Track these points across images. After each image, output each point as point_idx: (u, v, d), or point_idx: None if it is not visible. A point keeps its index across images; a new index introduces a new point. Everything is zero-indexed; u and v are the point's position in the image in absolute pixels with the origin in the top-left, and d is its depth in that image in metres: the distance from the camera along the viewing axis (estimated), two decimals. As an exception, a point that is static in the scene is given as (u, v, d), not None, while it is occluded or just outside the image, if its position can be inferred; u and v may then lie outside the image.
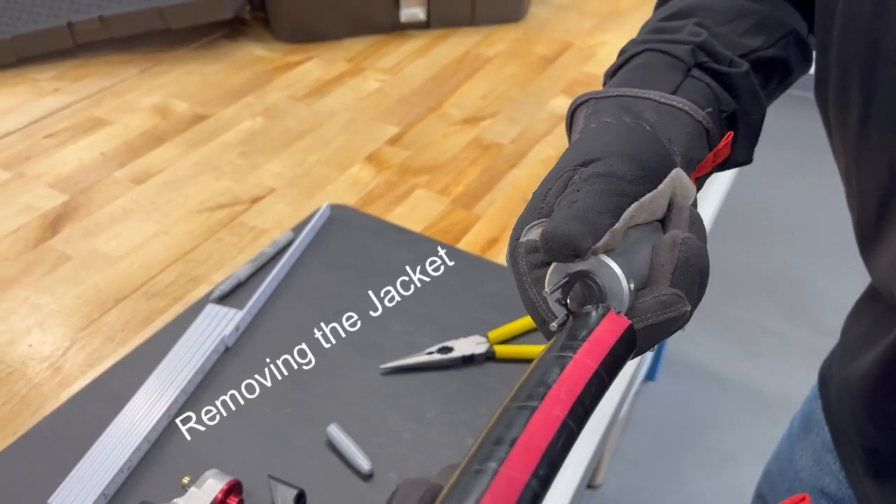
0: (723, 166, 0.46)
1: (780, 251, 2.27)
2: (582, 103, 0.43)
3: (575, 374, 0.26)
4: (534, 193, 0.37)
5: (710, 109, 0.42)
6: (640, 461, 1.68)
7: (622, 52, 0.47)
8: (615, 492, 1.63)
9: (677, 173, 0.37)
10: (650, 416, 1.77)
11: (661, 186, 0.36)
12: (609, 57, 1.21)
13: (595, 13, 1.35)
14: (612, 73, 0.47)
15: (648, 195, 0.35)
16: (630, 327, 0.30)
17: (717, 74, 0.43)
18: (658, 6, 0.54)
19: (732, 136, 0.43)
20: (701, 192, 0.83)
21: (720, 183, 1.00)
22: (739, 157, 0.46)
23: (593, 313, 0.30)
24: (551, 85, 1.12)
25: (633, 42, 0.47)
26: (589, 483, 1.61)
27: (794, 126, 2.87)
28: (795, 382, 1.81)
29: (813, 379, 0.62)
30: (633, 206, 0.34)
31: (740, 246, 2.25)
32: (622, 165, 0.35)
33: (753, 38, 0.46)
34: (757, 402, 1.82)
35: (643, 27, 0.50)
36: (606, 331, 0.29)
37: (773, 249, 2.28)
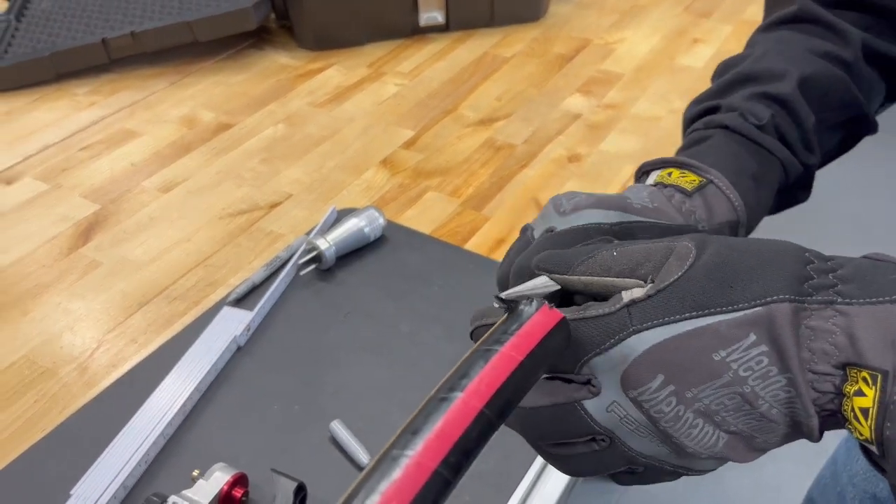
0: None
1: (826, 243, 2.23)
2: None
3: (498, 366, 0.28)
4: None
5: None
6: (674, 456, 1.68)
7: (718, 73, 0.50)
8: (647, 486, 1.62)
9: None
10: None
11: None
12: (628, 54, 1.21)
13: (615, 9, 1.35)
14: (700, 113, 0.49)
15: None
16: (563, 320, 0.32)
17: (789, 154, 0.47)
18: (769, 18, 0.54)
19: None
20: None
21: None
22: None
23: (526, 308, 0.32)
24: (567, 84, 1.13)
25: (735, 94, 0.48)
26: (621, 478, 1.61)
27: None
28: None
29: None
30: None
31: (783, 237, 2.21)
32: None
33: (830, 138, 0.49)
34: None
35: (756, 42, 0.51)
36: (538, 324, 0.30)
37: (820, 241, 2.23)
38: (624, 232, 0.38)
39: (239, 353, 0.71)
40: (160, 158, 1.00)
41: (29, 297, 0.78)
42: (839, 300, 0.29)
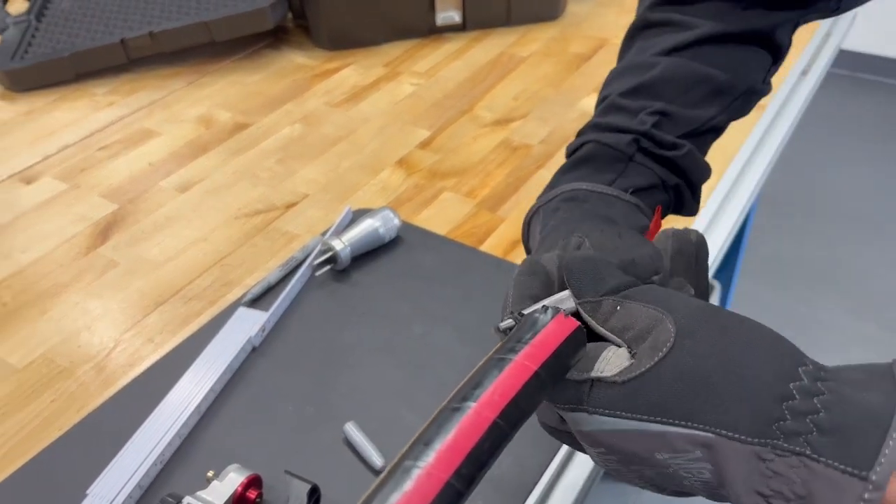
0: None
1: (842, 242, 2.20)
2: (532, 216, 0.50)
3: (511, 376, 0.28)
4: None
5: (648, 186, 0.48)
6: (690, 458, 1.66)
7: (579, 133, 0.54)
8: (664, 489, 1.61)
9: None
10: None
11: None
12: (645, 53, 1.20)
13: (634, 8, 1.34)
14: (566, 163, 0.52)
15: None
16: (579, 328, 0.32)
17: (660, 158, 0.48)
18: (624, 51, 0.59)
19: (661, 209, 0.49)
20: (736, 176, 0.84)
21: (756, 169, 0.99)
22: (688, 212, 0.53)
23: (540, 316, 0.31)
24: (584, 83, 1.13)
25: (588, 125, 0.53)
26: (637, 479, 1.60)
27: (861, 113, 2.77)
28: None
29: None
30: None
31: (797, 236, 2.19)
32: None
33: (706, 108, 0.50)
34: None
35: (607, 86, 0.56)
36: (552, 332, 0.30)
37: (835, 240, 2.20)
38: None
39: (254, 354, 0.71)
40: (177, 158, 1.00)
41: (47, 297, 0.79)
42: (807, 451, 0.27)
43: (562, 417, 0.36)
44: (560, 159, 0.96)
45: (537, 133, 1.02)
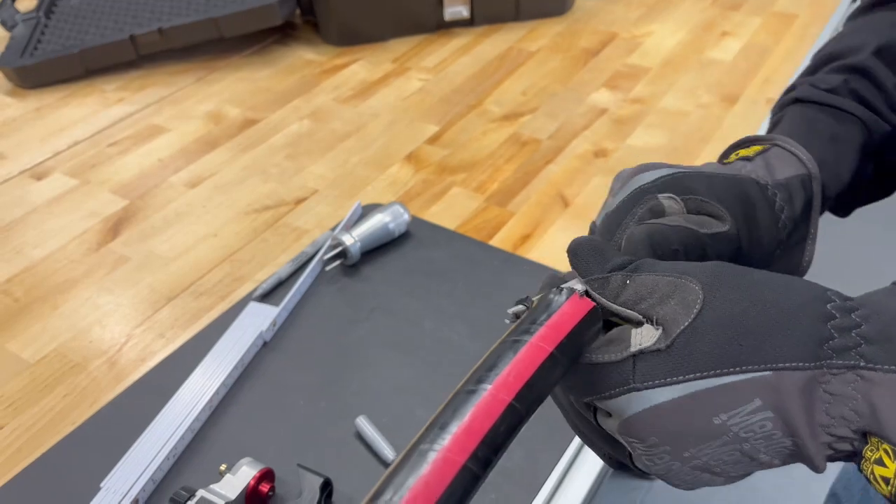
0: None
1: (842, 236, 2.19)
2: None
3: (527, 357, 0.28)
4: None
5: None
6: (699, 454, 1.66)
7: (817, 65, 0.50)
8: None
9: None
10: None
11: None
12: (655, 47, 1.20)
13: (643, 3, 1.34)
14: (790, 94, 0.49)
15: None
16: (595, 309, 0.31)
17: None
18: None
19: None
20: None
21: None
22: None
23: (555, 297, 0.31)
24: (593, 78, 1.12)
25: (828, 70, 0.49)
26: (646, 474, 1.60)
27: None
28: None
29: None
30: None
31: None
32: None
33: None
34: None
35: (852, 28, 0.51)
36: (567, 313, 0.30)
37: (835, 234, 2.19)
38: (673, 183, 0.39)
39: (265, 349, 0.71)
40: (187, 154, 1.01)
41: (59, 292, 0.79)
42: (861, 363, 0.28)
43: (597, 423, 0.34)
44: (570, 153, 0.96)
45: (546, 128, 1.02)
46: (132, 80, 1.18)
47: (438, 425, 0.26)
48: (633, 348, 0.30)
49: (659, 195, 0.38)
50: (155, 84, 1.16)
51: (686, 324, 0.30)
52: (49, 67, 1.16)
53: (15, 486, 0.61)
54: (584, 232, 0.81)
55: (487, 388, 0.27)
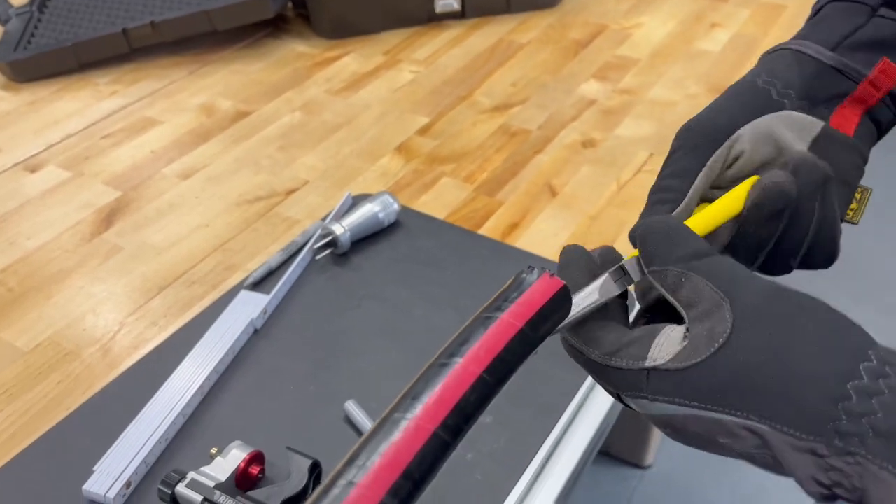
0: None
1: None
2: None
3: (497, 333, 0.29)
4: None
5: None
6: (692, 443, 1.68)
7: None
8: (665, 472, 1.63)
9: (750, 127, 0.41)
10: (703, 398, 1.76)
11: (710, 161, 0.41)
12: (645, 38, 1.21)
13: (633, -5, 1.34)
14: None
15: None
16: (564, 288, 0.33)
17: None
18: None
19: (887, 62, 0.43)
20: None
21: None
22: None
23: (527, 276, 0.33)
24: (582, 69, 1.13)
25: None
26: (637, 463, 1.62)
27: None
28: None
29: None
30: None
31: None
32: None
33: None
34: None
35: None
36: (537, 291, 0.31)
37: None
38: None
39: (256, 336, 0.73)
40: (180, 146, 1.02)
41: (53, 282, 0.80)
42: (862, 452, 0.27)
43: (626, 404, 0.36)
44: (558, 143, 0.97)
45: (535, 118, 1.03)
46: (125, 74, 1.19)
47: (411, 396, 0.27)
48: (648, 363, 0.32)
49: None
50: (148, 77, 1.17)
51: (702, 358, 0.30)
52: (42, 61, 1.17)
53: (10, 470, 0.62)
54: (572, 221, 0.83)
55: (459, 362, 0.28)
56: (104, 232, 0.87)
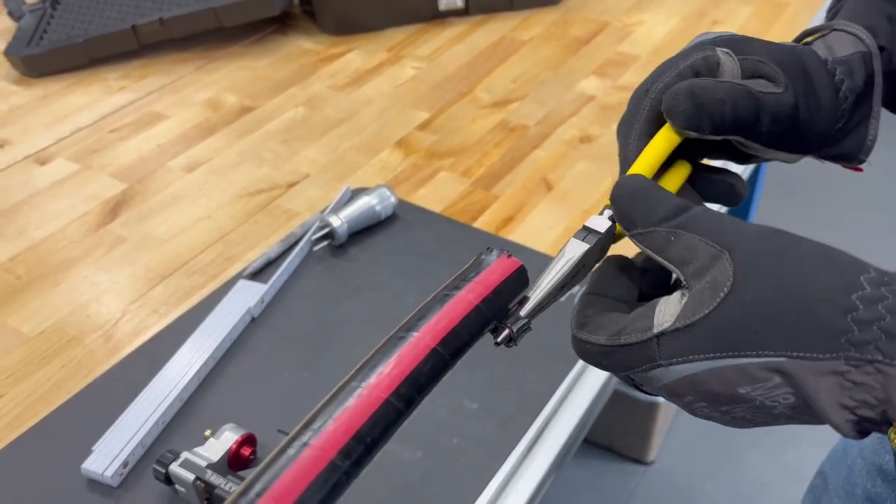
0: None
1: (848, 226, 2.19)
2: None
3: (453, 309, 0.31)
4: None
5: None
6: (695, 440, 1.68)
7: None
8: (667, 469, 1.64)
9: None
10: (707, 395, 1.76)
11: None
12: (646, 35, 1.21)
13: (636, -8, 1.35)
14: None
15: None
16: (521, 268, 0.34)
17: None
18: None
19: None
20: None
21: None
22: None
23: (485, 257, 0.34)
24: (583, 66, 1.14)
25: None
26: (640, 459, 1.62)
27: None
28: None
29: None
30: None
31: (803, 221, 2.18)
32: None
33: None
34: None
35: None
36: (494, 271, 0.33)
37: (841, 224, 2.20)
38: (732, 41, 0.40)
39: (253, 324, 0.74)
40: (185, 140, 1.04)
41: (59, 270, 0.83)
42: (879, 358, 0.28)
43: (638, 388, 0.36)
44: (556, 139, 0.99)
45: (534, 114, 1.04)
46: (134, 69, 1.21)
47: (368, 366, 0.29)
48: (656, 329, 0.32)
49: (716, 48, 0.39)
50: (156, 73, 1.20)
51: (710, 308, 0.31)
52: (54, 56, 1.20)
53: (14, 449, 0.64)
54: (566, 215, 0.84)
55: (414, 335, 0.30)
56: (110, 223, 0.89)
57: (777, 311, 0.29)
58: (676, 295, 0.33)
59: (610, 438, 1.65)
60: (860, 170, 0.44)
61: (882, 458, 0.63)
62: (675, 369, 0.32)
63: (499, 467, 0.61)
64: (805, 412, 0.31)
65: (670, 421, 1.68)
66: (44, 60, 1.20)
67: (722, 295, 0.30)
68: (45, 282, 0.81)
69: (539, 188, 0.90)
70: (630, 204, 0.34)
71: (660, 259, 0.34)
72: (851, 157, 0.44)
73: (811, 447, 1.64)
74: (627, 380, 0.36)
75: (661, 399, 1.51)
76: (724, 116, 0.37)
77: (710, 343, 0.30)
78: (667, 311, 0.32)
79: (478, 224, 0.85)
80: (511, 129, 1.01)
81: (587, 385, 0.68)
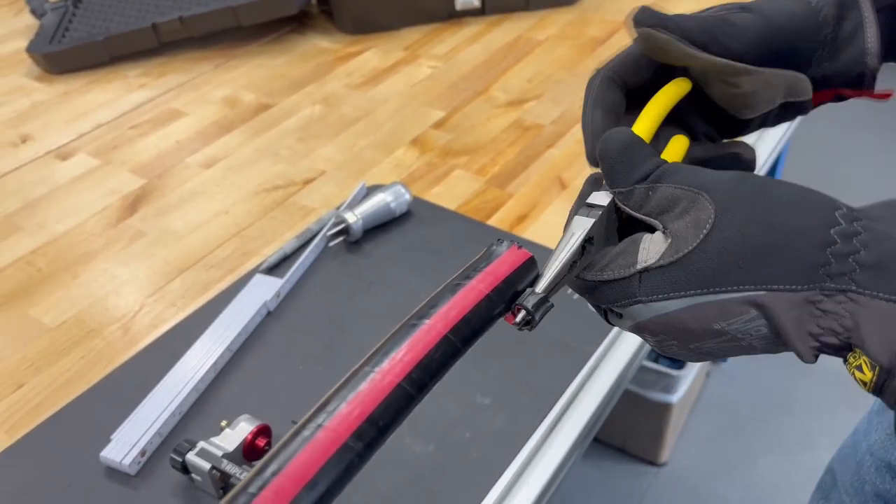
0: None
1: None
2: None
3: (465, 298, 0.31)
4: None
5: None
6: (707, 442, 1.68)
7: None
8: (679, 470, 1.63)
9: None
10: (721, 398, 1.76)
11: None
12: (661, 36, 1.21)
13: (652, -8, 1.35)
14: None
15: None
16: (531, 259, 0.34)
17: None
18: None
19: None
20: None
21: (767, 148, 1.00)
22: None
23: (496, 248, 0.35)
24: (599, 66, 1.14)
25: None
26: (652, 460, 1.62)
27: (870, 104, 2.72)
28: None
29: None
30: None
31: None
32: None
33: None
34: (838, 387, 1.76)
35: None
36: (505, 261, 0.34)
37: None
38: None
39: (269, 318, 0.75)
40: (203, 137, 1.05)
41: (79, 264, 0.84)
42: (853, 288, 0.29)
43: (608, 321, 0.37)
44: (570, 138, 0.99)
45: (549, 114, 1.04)
46: (154, 67, 1.23)
47: (382, 352, 0.29)
48: (640, 265, 0.33)
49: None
50: (175, 70, 1.21)
51: (694, 245, 0.31)
52: (76, 54, 1.22)
53: (35, 437, 0.65)
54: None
55: (427, 322, 0.30)
56: (129, 218, 0.91)
57: (759, 246, 0.30)
58: (660, 235, 0.33)
59: (622, 439, 1.65)
60: (886, 96, 0.42)
61: (892, 454, 0.63)
62: (655, 306, 0.33)
63: (510, 462, 0.61)
64: (773, 342, 0.32)
65: (683, 422, 1.67)
66: (65, 57, 1.22)
67: (705, 231, 0.31)
68: (66, 274, 0.83)
69: (553, 186, 0.91)
70: (611, 160, 0.35)
71: (639, 216, 0.34)
72: (856, 75, 0.41)
73: (825, 450, 1.63)
74: (601, 311, 0.37)
75: (674, 400, 1.50)
76: (688, 23, 0.38)
77: (693, 279, 0.31)
78: (651, 248, 0.33)
79: (492, 222, 0.86)
80: (526, 129, 1.02)
81: (598, 382, 0.68)
